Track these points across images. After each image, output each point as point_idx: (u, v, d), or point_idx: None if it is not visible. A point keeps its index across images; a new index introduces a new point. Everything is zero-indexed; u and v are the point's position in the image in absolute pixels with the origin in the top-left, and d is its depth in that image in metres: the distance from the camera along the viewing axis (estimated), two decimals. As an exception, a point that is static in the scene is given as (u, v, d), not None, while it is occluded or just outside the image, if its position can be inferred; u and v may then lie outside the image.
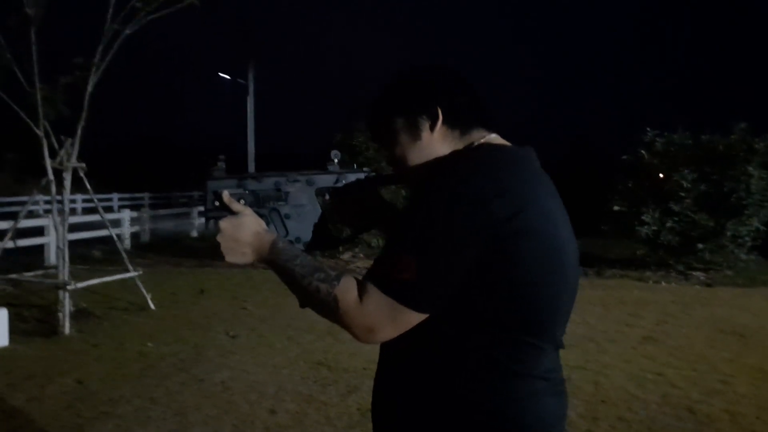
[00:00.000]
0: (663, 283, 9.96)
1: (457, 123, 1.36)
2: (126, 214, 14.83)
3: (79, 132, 6.89)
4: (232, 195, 1.40)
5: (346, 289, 1.22)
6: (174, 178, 35.19)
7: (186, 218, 18.05)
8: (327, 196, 1.49)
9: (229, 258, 1.35)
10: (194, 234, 17.39)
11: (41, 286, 8.01)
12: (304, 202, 1.45)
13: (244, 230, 1.34)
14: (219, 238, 1.34)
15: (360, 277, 1.26)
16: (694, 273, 10.35)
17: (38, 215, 14.89)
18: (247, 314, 7.40)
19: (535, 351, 1.26)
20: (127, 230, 14.52)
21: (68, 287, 6.45)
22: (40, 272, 8.11)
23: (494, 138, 1.38)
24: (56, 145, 6.82)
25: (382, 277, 1.21)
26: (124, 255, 7.64)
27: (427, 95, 1.36)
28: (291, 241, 1.41)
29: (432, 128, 1.35)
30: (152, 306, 7.52)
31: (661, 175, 11.04)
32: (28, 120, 6.60)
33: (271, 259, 1.32)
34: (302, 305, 1.38)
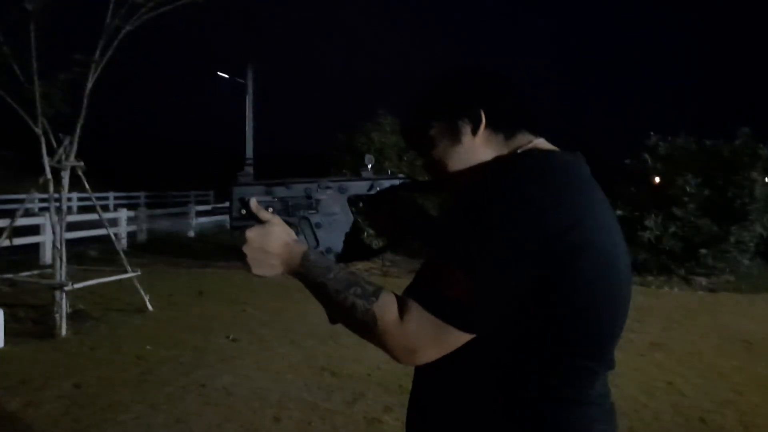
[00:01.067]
0: (666, 289, 9.89)
1: (502, 127, 1.26)
2: (123, 214, 14.69)
3: (78, 130, 6.78)
4: (259, 202, 1.30)
5: (386, 306, 1.12)
6: (170, 177, 35.09)
7: (183, 218, 17.92)
8: (360, 204, 1.39)
9: (256, 270, 1.25)
10: (191, 234, 17.27)
11: (36, 287, 7.87)
12: (335, 211, 1.35)
13: (273, 240, 1.24)
14: (246, 249, 1.24)
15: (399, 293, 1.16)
16: (696, 278, 10.28)
17: (33, 213, 14.72)
18: (248, 317, 7.29)
19: (590, 375, 1.17)
20: (123, 230, 14.38)
21: (66, 288, 6.33)
22: (35, 272, 7.98)
23: (541, 143, 1.28)
24: (54, 143, 6.70)
25: (426, 294, 1.10)
26: (122, 255, 7.52)
27: (468, 97, 1.26)
28: (322, 252, 1.30)
29: (474, 132, 1.25)
30: (150, 308, 7.39)
31: (657, 180, 10.94)
32: (27, 117, 6.48)
33: (301, 272, 1.22)
34: (333, 321, 1.29)
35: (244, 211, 1.31)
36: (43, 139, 6.54)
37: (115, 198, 25.61)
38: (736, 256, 10.32)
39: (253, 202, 1.29)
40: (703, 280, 10.09)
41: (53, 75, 6.84)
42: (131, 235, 15.13)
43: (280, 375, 5.11)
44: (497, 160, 1.25)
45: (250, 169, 1.34)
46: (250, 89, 23.22)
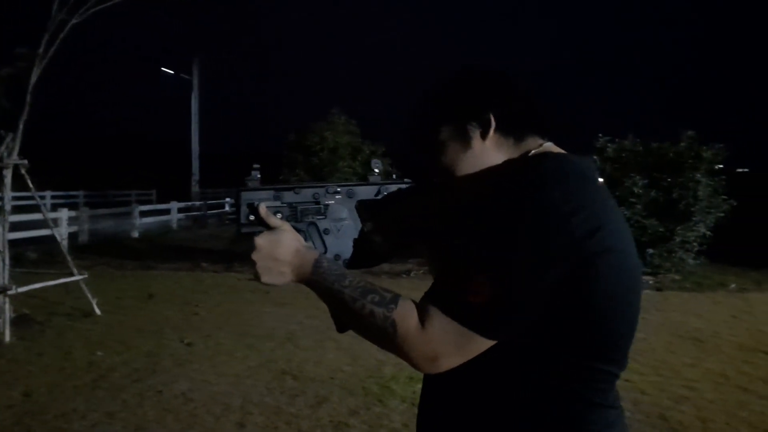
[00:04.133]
0: (614, 288, 10.07)
1: (511, 130, 1.24)
2: (64, 214, 14.15)
3: (21, 127, 6.49)
4: (268, 208, 1.24)
5: (405, 313, 1.09)
6: (109, 176, 34.12)
7: (126, 218, 17.44)
8: (367, 209, 1.34)
9: (266, 279, 1.21)
10: (135, 235, 16.82)
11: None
12: (343, 216, 1.31)
13: (283, 247, 1.19)
14: (255, 257, 1.19)
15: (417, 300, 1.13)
16: (643, 277, 10.52)
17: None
18: (200, 320, 7.11)
19: (610, 379, 1.17)
20: (65, 230, 13.86)
21: (9, 292, 6.05)
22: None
23: (550, 146, 1.26)
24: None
25: (448, 300, 1.07)
26: (68, 257, 7.25)
27: (477, 101, 1.23)
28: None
29: (483, 136, 1.22)
30: (98, 311, 7.14)
31: (601, 180, 11.15)
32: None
33: (314, 280, 1.18)
34: (342, 330, 1.25)
35: (252, 217, 1.25)
36: (-16, 136, 6.24)
37: (53, 197, 24.71)
38: (681, 256, 10.61)
39: (263, 208, 1.24)
40: (650, 279, 10.33)
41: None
42: (72, 236, 14.61)
43: (240, 379, 4.99)
44: (509, 163, 1.23)
45: (257, 174, 1.28)
46: (195, 85, 22.73)
